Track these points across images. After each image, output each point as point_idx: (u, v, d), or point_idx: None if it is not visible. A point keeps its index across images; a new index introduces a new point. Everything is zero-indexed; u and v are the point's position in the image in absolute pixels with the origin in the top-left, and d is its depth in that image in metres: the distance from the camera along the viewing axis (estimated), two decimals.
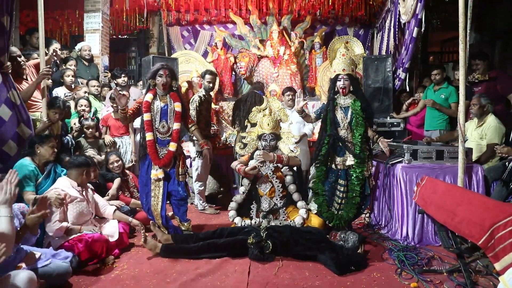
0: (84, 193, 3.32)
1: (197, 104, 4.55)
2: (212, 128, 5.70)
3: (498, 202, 2.40)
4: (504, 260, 1.95)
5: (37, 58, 4.33)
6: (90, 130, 4.64)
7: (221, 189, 5.41)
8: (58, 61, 5.25)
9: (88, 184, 3.45)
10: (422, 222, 3.61)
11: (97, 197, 3.54)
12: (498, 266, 1.98)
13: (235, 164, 3.84)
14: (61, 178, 3.29)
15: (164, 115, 3.55)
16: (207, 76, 4.78)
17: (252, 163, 3.72)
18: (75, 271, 2.80)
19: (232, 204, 3.85)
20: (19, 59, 3.88)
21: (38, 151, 3.34)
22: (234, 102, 5.36)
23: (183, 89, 6.46)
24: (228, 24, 8.06)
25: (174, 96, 3.58)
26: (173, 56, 7.10)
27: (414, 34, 4.77)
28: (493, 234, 2.03)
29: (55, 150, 3.42)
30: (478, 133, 4.20)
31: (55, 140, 3.49)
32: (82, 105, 4.77)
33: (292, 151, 3.81)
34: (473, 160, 3.95)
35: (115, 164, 4.23)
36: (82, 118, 4.67)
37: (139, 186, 3.69)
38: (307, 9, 7.56)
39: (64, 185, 3.18)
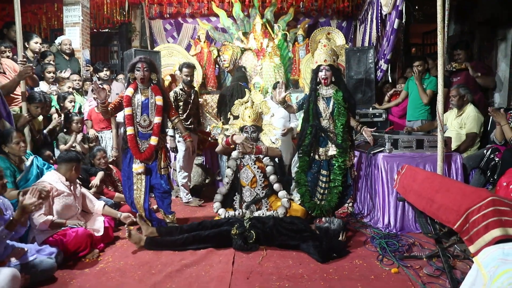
0: (72, 188, 3.28)
1: (173, 100, 4.48)
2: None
3: (475, 188, 2.47)
4: (478, 242, 2.01)
5: (9, 56, 4.24)
6: (79, 125, 4.58)
7: (206, 182, 5.41)
8: (38, 57, 5.16)
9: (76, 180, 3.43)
10: (403, 210, 3.69)
11: (85, 191, 3.52)
12: (472, 248, 2.05)
13: (220, 146, 3.89)
14: (50, 172, 3.26)
15: (145, 108, 3.53)
16: (184, 70, 4.73)
17: (234, 154, 3.80)
18: (60, 266, 2.80)
19: (217, 196, 3.89)
20: None
21: (7, 150, 3.24)
22: (218, 95, 5.34)
23: (166, 83, 6.43)
24: (211, 17, 8.01)
25: (155, 89, 3.55)
26: (155, 49, 7.02)
27: (395, 26, 4.83)
28: (468, 218, 2.09)
29: (22, 144, 3.28)
30: (458, 123, 4.30)
31: (21, 133, 3.35)
32: (71, 101, 4.74)
33: (274, 142, 3.85)
34: (452, 149, 4.05)
35: (102, 160, 4.23)
36: (69, 113, 4.60)
37: (122, 180, 3.68)
38: (290, 2, 7.56)
39: (52, 179, 3.15)
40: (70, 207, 3.24)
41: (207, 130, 6.09)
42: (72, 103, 4.75)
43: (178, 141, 4.60)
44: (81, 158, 3.43)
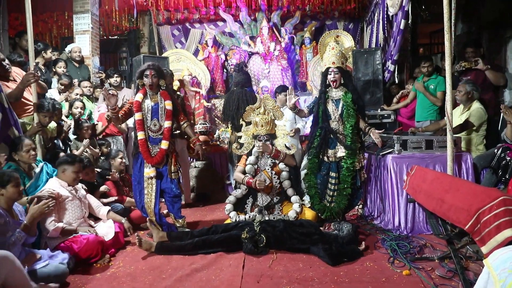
0: (75, 192, 3.30)
1: None
2: (204, 125, 5.72)
3: (485, 188, 2.44)
4: (490, 243, 1.99)
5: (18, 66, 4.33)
6: (89, 131, 4.64)
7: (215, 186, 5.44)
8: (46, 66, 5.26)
9: (80, 184, 3.45)
10: (413, 211, 3.67)
11: (90, 197, 3.55)
12: (484, 249, 2.02)
13: (239, 177, 3.84)
14: (51, 179, 3.26)
15: (155, 113, 3.56)
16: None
17: (251, 160, 3.80)
18: (71, 271, 2.83)
19: (231, 198, 3.90)
20: (3, 63, 3.86)
21: (17, 158, 3.29)
22: (223, 102, 5.34)
23: (175, 87, 6.47)
24: (218, 22, 8.06)
25: (164, 94, 3.59)
26: (164, 55, 7.10)
27: (402, 26, 4.81)
28: (479, 219, 2.07)
29: (33, 152, 3.32)
30: (464, 119, 4.25)
31: (32, 141, 3.40)
32: (78, 107, 4.79)
33: (289, 148, 3.83)
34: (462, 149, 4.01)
35: (123, 166, 4.39)
36: (79, 120, 4.66)
37: (133, 184, 3.71)
38: (296, 5, 7.58)
39: (54, 186, 3.16)
40: (77, 211, 3.27)
41: (215, 135, 6.13)
42: (79, 109, 4.80)
43: None
44: (78, 159, 3.36)
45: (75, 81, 5.50)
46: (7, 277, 2.21)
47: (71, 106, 4.80)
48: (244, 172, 3.84)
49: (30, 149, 3.30)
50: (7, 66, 3.92)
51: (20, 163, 3.31)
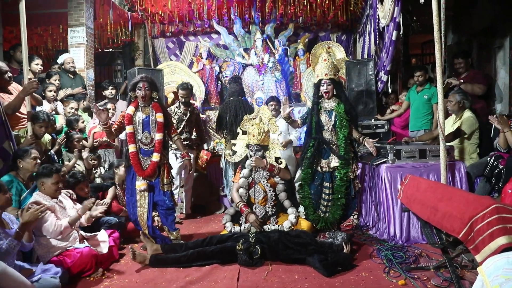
0: (59, 203, 3.23)
1: None
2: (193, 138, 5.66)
3: (478, 196, 2.45)
4: (484, 251, 1.99)
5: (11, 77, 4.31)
6: (80, 143, 4.61)
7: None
8: (40, 78, 5.24)
9: (63, 194, 3.36)
10: (408, 221, 3.66)
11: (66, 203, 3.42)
12: (478, 258, 2.02)
13: (235, 199, 3.83)
14: (34, 194, 3.11)
15: (147, 126, 3.56)
16: (180, 91, 4.92)
17: (244, 173, 3.80)
18: (64, 286, 2.78)
19: (230, 210, 3.93)
20: (5, 76, 3.86)
21: (21, 165, 3.31)
22: (218, 112, 5.36)
23: (170, 100, 6.49)
24: (213, 34, 8.12)
25: (156, 106, 3.60)
26: (158, 67, 7.12)
27: (394, 37, 4.87)
28: (473, 227, 2.07)
29: (38, 161, 3.36)
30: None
31: (38, 151, 3.44)
32: (72, 108, 4.88)
33: (280, 161, 3.83)
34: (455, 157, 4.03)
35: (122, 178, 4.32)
36: (69, 132, 4.64)
37: (126, 197, 3.69)
38: (289, 17, 7.66)
39: (38, 200, 3.02)
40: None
41: (210, 146, 6.12)
42: (73, 110, 4.90)
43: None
44: (58, 169, 3.25)
45: (69, 90, 5.49)
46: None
47: (73, 122, 4.79)
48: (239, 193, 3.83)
49: (37, 157, 3.37)
50: (9, 78, 3.92)
51: (21, 173, 3.31)
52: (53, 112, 4.85)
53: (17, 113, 3.92)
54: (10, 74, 3.94)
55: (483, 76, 5.14)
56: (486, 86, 4.88)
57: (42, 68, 5.31)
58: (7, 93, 3.91)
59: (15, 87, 4.09)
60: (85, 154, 4.54)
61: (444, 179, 3.32)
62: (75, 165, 4.37)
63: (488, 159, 3.83)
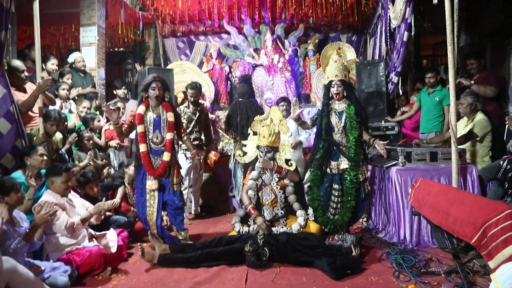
0: (70, 201, 3.27)
1: None
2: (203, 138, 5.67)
3: (490, 201, 2.41)
4: (497, 257, 1.96)
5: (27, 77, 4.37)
6: (90, 141, 4.65)
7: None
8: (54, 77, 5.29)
9: (72, 193, 3.41)
10: (419, 225, 3.62)
11: (76, 201, 3.47)
12: (492, 264, 1.99)
13: (244, 202, 3.81)
14: (45, 193, 3.17)
15: (157, 125, 3.57)
16: (189, 91, 4.92)
17: (254, 175, 3.79)
18: (73, 283, 2.81)
19: (240, 211, 3.93)
20: (22, 74, 3.90)
21: (28, 162, 3.33)
22: (227, 113, 5.35)
23: (179, 99, 6.50)
24: (223, 34, 8.14)
25: (166, 106, 3.60)
26: (168, 67, 7.15)
27: (405, 38, 4.83)
28: (486, 232, 2.04)
29: (45, 157, 3.38)
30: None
31: (45, 149, 3.46)
32: (85, 107, 4.94)
33: (290, 164, 3.82)
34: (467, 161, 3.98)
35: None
36: (80, 130, 4.68)
37: (135, 196, 3.70)
38: (299, 17, 7.64)
39: (49, 199, 3.07)
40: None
41: (219, 146, 6.11)
42: (86, 109, 4.96)
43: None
44: (69, 168, 3.31)
45: (80, 90, 5.55)
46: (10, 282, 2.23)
47: (89, 121, 4.85)
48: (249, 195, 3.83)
49: (44, 154, 3.39)
50: (25, 77, 3.97)
51: (28, 169, 3.33)
52: (67, 110, 4.89)
53: (29, 112, 3.96)
54: (26, 74, 3.98)
55: (496, 77, 5.05)
56: (498, 88, 4.79)
57: (57, 68, 5.37)
58: (22, 91, 3.96)
59: (29, 86, 4.14)
60: (90, 153, 4.56)
61: (456, 182, 3.28)
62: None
63: (501, 162, 3.76)
